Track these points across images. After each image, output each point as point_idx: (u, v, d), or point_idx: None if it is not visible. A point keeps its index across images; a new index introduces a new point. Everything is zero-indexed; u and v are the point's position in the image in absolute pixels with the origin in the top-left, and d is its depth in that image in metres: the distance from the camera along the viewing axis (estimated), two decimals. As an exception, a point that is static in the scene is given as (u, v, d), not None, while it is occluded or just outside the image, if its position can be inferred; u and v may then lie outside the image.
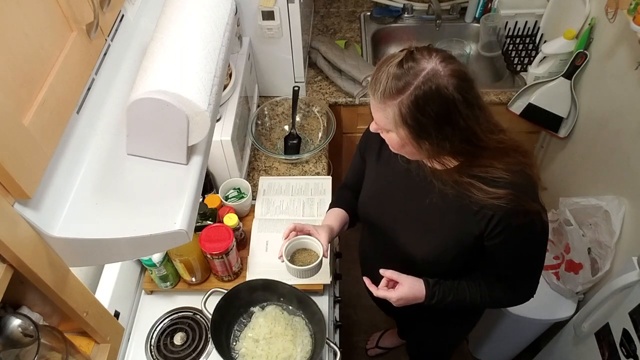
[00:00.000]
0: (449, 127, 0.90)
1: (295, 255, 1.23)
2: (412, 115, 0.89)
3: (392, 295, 1.12)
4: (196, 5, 0.90)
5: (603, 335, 1.43)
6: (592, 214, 1.56)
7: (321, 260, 1.19)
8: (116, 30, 0.90)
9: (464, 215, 1.03)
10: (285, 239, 1.21)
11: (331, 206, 1.38)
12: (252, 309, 1.37)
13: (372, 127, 1.02)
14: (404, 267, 1.16)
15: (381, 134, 1.02)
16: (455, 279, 1.15)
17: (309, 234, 1.21)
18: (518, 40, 2.00)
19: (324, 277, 1.41)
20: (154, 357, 1.35)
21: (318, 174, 1.70)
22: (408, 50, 0.93)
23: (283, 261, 1.19)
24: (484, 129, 0.95)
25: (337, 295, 1.53)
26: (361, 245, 1.47)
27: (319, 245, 1.19)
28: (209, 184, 1.56)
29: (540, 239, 1.06)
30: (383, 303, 1.41)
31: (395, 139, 0.97)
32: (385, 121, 0.94)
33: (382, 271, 1.14)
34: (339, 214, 1.32)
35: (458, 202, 1.02)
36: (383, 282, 1.15)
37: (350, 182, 1.36)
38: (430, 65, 0.88)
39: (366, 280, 1.17)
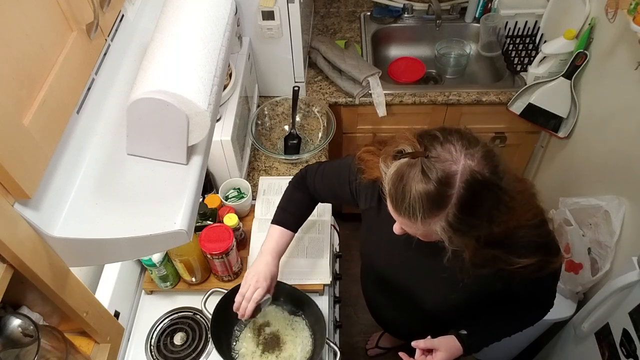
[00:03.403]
0: (497, 212, 0.82)
1: None
2: (463, 221, 0.81)
3: None
4: (196, 5, 0.90)
5: (603, 335, 1.43)
6: (592, 214, 1.56)
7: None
8: (116, 30, 0.90)
9: (483, 274, 0.97)
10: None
11: (281, 214, 1.25)
12: (252, 309, 1.37)
13: (399, 231, 0.93)
14: (414, 312, 1.16)
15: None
16: (471, 317, 1.14)
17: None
18: (518, 40, 2.00)
19: (324, 277, 1.41)
20: (154, 357, 1.35)
21: (318, 174, 1.70)
22: (421, 152, 0.81)
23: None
24: (514, 189, 0.86)
25: (337, 295, 1.53)
26: (364, 284, 1.46)
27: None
28: (209, 184, 1.56)
29: (560, 270, 1.10)
30: (391, 329, 1.41)
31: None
32: (424, 233, 0.87)
33: (414, 343, 1.10)
34: (284, 244, 1.22)
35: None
36: (418, 353, 1.11)
37: (319, 191, 1.25)
38: (459, 163, 0.79)
39: (402, 355, 1.11)
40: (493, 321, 1.16)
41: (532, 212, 0.93)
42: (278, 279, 1.28)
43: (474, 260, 0.90)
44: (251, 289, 1.16)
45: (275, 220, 1.25)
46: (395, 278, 1.19)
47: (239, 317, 1.18)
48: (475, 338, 1.12)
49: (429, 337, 1.11)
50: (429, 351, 1.10)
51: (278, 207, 1.27)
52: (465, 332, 1.12)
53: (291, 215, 1.26)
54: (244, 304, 1.16)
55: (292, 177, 1.58)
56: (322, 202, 1.30)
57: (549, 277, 1.07)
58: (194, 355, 1.35)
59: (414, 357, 1.11)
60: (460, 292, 1.05)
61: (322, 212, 1.52)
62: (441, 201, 0.79)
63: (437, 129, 0.85)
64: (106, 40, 0.85)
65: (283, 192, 1.30)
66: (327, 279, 1.40)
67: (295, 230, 1.25)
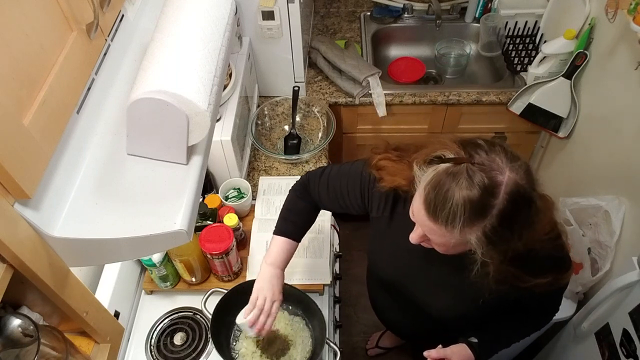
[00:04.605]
0: (528, 228, 0.82)
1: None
2: (499, 234, 0.80)
3: None
4: (196, 5, 0.90)
5: (603, 335, 1.42)
6: (592, 214, 1.56)
7: None
8: (116, 30, 0.90)
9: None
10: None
11: (284, 224, 1.21)
12: (252, 309, 1.37)
13: (415, 240, 0.92)
14: (420, 317, 1.16)
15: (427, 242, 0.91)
16: (479, 323, 1.14)
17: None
18: (518, 40, 2.00)
19: (324, 277, 1.41)
20: (154, 357, 1.35)
21: (318, 174, 1.70)
22: (466, 158, 0.80)
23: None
24: (540, 206, 0.85)
25: (337, 295, 1.53)
26: (370, 286, 1.46)
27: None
28: (209, 184, 1.56)
29: (569, 281, 1.09)
30: (394, 329, 1.41)
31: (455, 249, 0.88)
32: (456, 243, 0.84)
33: (426, 353, 1.09)
34: (289, 255, 1.20)
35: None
36: None
37: (324, 199, 1.20)
38: (505, 175, 0.78)
39: None
40: (501, 329, 1.15)
41: (549, 226, 0.92)
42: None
43: (496, 276, 0.89)
44: (268, 303, 1.13)
45: (279, 231, 1.21)
46: (402, 285, 1.18)
47: (255, 334, 1.15)
48: (486, 346, 1.11)
49: (439, 346, 1.09)
50: None
51: (280, 216, 1.23)
52: (476, 340, 1.10)
53: (294, 224, 1.22)
54: (262, 318, 1.13)
55: (292, 177, 1.56)
56: (325, 209, 1.27)
57: (558, 289, 1.08)
58: (194, 355, 1.35)
59: None
60: (472, 303, 1.05)
61: (322, 212, 1.51)
62: (483, 210, 0.78)
63: (479, 138, 0.85)
64: (106, 40, 0.85)
65: (284, 200, 1.26)
66: (327, 279, 1.40)
67: (298, 240, 1.22)
